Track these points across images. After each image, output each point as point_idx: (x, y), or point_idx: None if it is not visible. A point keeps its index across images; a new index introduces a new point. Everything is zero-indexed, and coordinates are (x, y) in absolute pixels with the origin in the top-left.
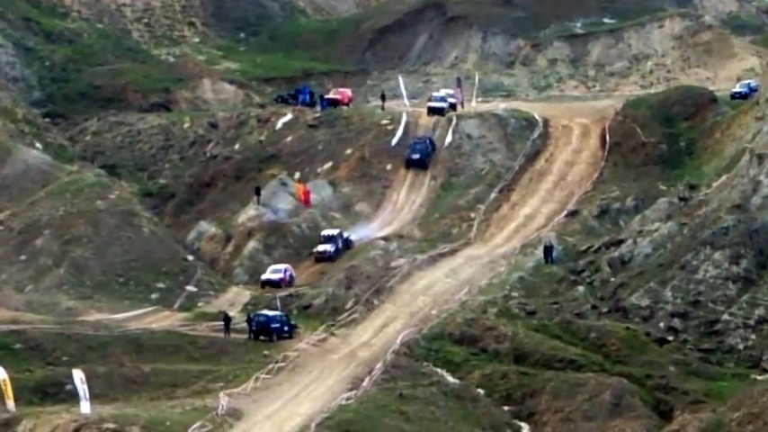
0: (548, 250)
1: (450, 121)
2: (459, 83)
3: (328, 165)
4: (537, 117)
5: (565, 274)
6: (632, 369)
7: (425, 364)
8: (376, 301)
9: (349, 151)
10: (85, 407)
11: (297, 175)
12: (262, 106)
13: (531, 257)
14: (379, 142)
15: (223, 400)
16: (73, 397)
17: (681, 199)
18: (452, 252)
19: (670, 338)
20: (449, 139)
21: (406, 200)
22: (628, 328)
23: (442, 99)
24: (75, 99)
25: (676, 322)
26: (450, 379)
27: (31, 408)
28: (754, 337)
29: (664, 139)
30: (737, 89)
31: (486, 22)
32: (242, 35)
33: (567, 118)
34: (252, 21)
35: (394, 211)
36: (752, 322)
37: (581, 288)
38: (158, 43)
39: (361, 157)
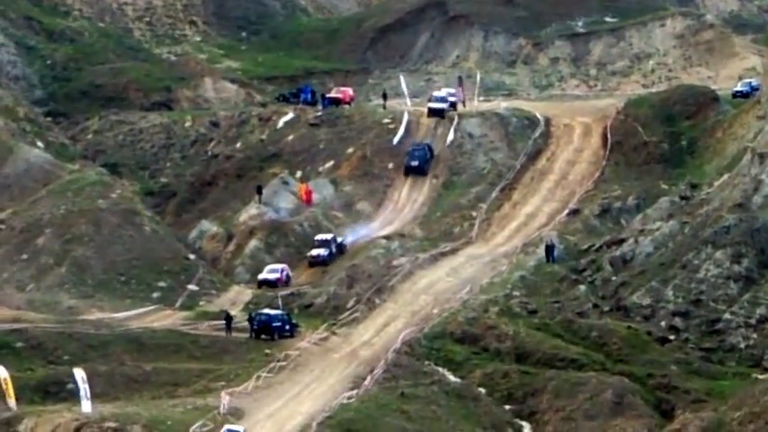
0: (549, 249)
1: (451, 120)
2: (460, 82)
3: (330, 164)
4: (538, 116)
5: (566, 272)
6: (634, 368)
7: (427, 363)
8: (377, 300)
9: (350, 150)
10: (87, 406)
11: (298, 173)
12: (263, 105)
13: (533, 256)
14: (380, 141)
15: (224, 399)
16: (74, 396)
17: (682, 198)
18: (454, 251)
19: (671, 337)
20: (450, 137)
21: (408, 199)
22: (629, 327)
23: (443, 99)
24: (77, 98)
25: (678, 321)
26: (452, 378)
27: (33, 406)
28: (755, 336)
29: (665, 138)
30: (739, 88)
31: (487, 21)
32: (243, 34)
33: (569, 117)
34: (253, 19)
35: (395, 210)
36: (753, 321)
37: (582, 287)
38: (160, 42)
39: (362, 156)
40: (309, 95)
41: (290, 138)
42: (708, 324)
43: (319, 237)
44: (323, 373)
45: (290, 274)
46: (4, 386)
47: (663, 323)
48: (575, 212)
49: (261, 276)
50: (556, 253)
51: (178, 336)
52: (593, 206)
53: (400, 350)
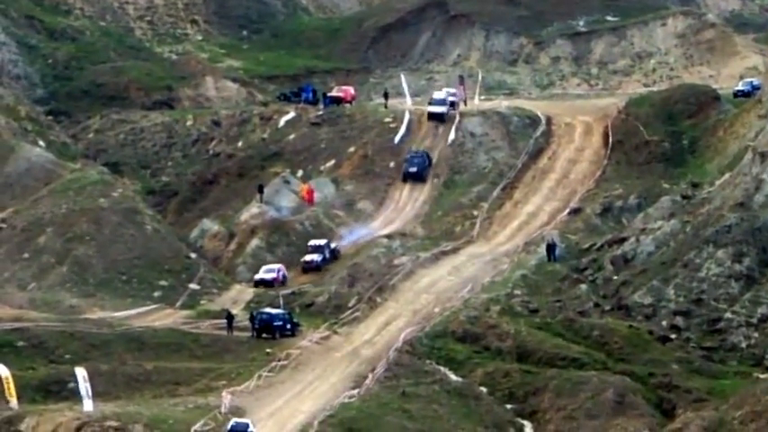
0: (550, 248)
1: (452, 119)
2: (461, 81)
3: (331, 163)
4: (540, 115)
5: (567, 272)
6: (635, 367)
7: (428, 361)
8: (379, 299)
9: (352, 149)
10: (88, 405)
11: (300, 173)
12: (264, 104)
13: (534, 255)
14: (381, 140)
15: (226, 398)
16: (75, 395)
17: (684, 197)
18: (455, 250)
19: (673, 336)
20: (451, 137)
21: (409, 198)
22: (630, 327)
23: (442, 102)
24: (78, 97)
25: (679, 320)
26: (453, 377)
27: (34, 405)
28: (756, 335)
29: (666, 137)
30: (740, 87)
31: (488, 20)
32: (244, 33)
33: (570, 116)
34: (254, 18)
35: (397, 209)
36: (754, 320)
37: (584, 286)
38: (161, 41)
39: (363, 155)
40: (311, 94)
41: (292, 137)
42: (709, 323)
43: (312, 242)
44: (324, 371)
45: (287, 274)
46: (5, 385)
47: (664, 322)
48: (576, 211)
49: (257, 276)
50: (557, 252)
51: (179, 335)
52: (594, 205)
53: (401, 349)
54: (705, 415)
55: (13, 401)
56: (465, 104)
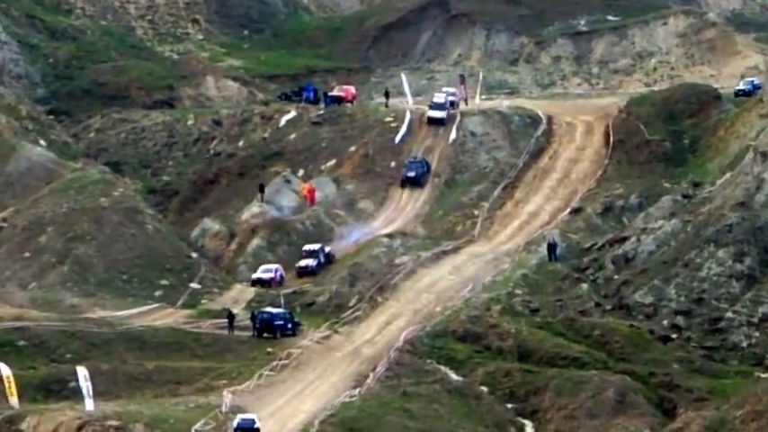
0: (551, 248)
1: (454, 118)
2: (462, 80)
3: (332, 162)
4: (541, 114)
5: (568, 271)
6: (636, 367)
7: (429, 361)
8: (380, 299)
9: (353, 148)
10: (89, 404)
11: (300, 172)
12: (265, 103)
13: (535, 255)
14: (382, 139)
15: (226, 398)
16: (76, 394)
17: (685, 196)
18: (456, 249)
19: (673, 336)
20: (453, 136)
21: (410, 197)
22: (631, 326)
23: (442, 106)
24: (79, 96)
25: (680, 320)
26: (454, 376)
27: (35, 405)
28: (757, 334)
29: (667, 136)
30: (741, 86)
31: (489, 20)
32: (245, 32)
33: (571, 115)
34: (255, 18)
35: (397, 209)
36: (755, 320)
37: (584, 285)
38: (162, 40)
39: (364, 155)
40: (312, 94)
41: (293, 136)
42: (710, 323)
43: (307, 247)
44: (325, 371)
45: (284, 274)
46: (6, 384)
47: (665, 322)
48: (577, 211)
49: (255, 275)
50: (558, 251)
51: (180, 334)
52: (595, 204)
53: (402, 348)
54: (706, 414)
55: (14, 401)
56: (466, 104)
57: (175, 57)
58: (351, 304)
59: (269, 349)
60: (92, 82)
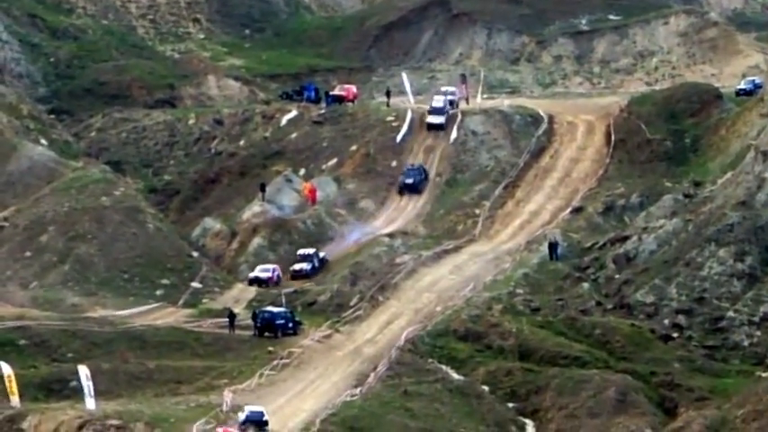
0: (552, 247)
1: (455, 117)
2: (463, 79)
3: (333, 161)
4: (542, 114)
5: (569, 270)
6: (637, 366)
7: (430, 360)
8: (381, 298)
9: (354, 148)
10: (90, 403)
11: (302, 171)
12: (267, 103)
13: (536, 254)
14: (383, 139)
15: (227, 397)
16: (78, 393)
17: (686, 196)
18: (457, 249)
19: (675, 335)
20: (454, 135)
21: (411, 196)
22: (632, 325)
23: (441, 111)
24: (81, 95)
25: (681, 319)
26: (455, 376)
27: (36, 404)
28: (758, 333)
29: (669, 135)
30: (742, 86)
31: (490, 19)
32: (247, 31)
33: (572, 115)
34: (257, 17)
35: (398, 208)
36: (756, 319)
37: (586, 285)
38: (163, 40)
39: (365, 154)
40: (313, 93)
41: (294, 135)
42: (711, 322)
43: (301, 251)
44: (326, 370)
45: (281, 275)
46: (7, 383)
47: (666, 321)
48: (578, 210)
49: (252, 274)
50: (559, 251)
51: (181, 333)
52: (596, 204)
53: (403, 348)
54: (707, 414)
55: (15, 400)
56: (467, 103)
57: (177, 56)
58: (352, 303)
59: (270, 348)
60: (93, 81)
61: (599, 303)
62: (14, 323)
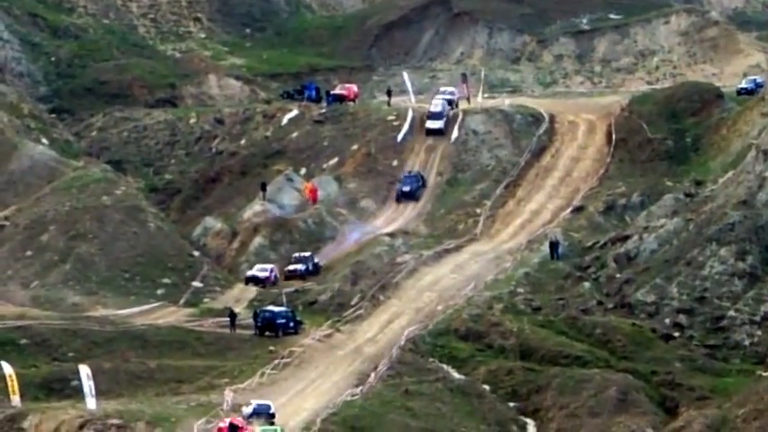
0: (553, 246)
1: (456, 116)
2: (465, 79)
3: (334, 160)
4: (543, 113)
5: (570, 269)
6: (638, 365)
7: (431, 359)
8: (381, 297)
9: (355, 147)
10: (91, 402)
11: (302, 170)
12: (267, 102)
13: (537, 253)
14: (384, 138)
15: (228, 396)
16: (79, 393)
17: (687, 195)
18: (458, 248)
19: (676, 334)
20: (455, 134)
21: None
22: (633, 324)
23: (439, 115)
24: (81, 95)
25: (682, 318)
26: (456, 375)
27: (37, 403)
28: (759, 333)
29: (670, 135)
30: (743, 85)
31: (491, 18)
32: (248, 31)
33: (573, 114)
34: (257, 16)
35: (399, 208)
36: (758, 318)
37: (587, 284)
38: (164, 39)
39: (366, 153)
40: (314, 92)
41: (295, 135)
42: (712, 321)
43: (296, 254)
44: (327, 369)
45: (278, 275)
46: (8, 383)
47: (667, 320)
48: (579, 209)
49: (249, 273)
50: (560, 250)
51: (182, 333)
52: (597, 203)
53: (404, 347)
54: (708, 413)
55: (16, 399)
56: (469, 102)
57: (178, 55)
58: (353, 303)
59: (271, 348)
60: (94, 80)
61: (600, 303)
62: (15, 322)
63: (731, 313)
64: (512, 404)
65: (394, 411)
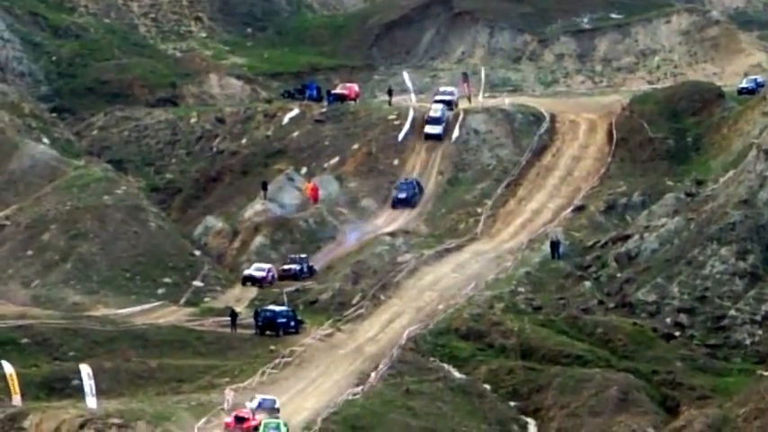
0: (554, 245)
1: (457, 116)
2: (465, 78)
3: (335, 160)
4: (544, 112)
5: (571, 269)
6: (639, 364)
7: (432, 359)
8: (382, 297)
9: (356, 146)
10: (91, 402)
11: (303, 170)
12: (268, 101)
13: (538, 253)
14: (385, 137)
15: (229, 396)
16: (79, 392)
17: (688, 194)
18: (459, 247)
19: (677, 334)
20: (456, 134)
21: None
22: (634, 324)
23: (438, 120)
24: (82, 94)
25: (683, 318)
26: (457, 374)
27: (38, 403)
28: (760, 332)
29: (671, 134)
30: (744, 84)
31: (492, 18)
32: (249, 30)
33: (574, 113)
34: (259, 16)
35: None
36: (758, 318)
37: (587, 283)
38: (165, 38)
39: (367, 153)
40: (315, 92)
41: (296, 134)
42: (713, 320)
43: (292, 256)
44: (328, 369)
45: (276, 275)
46: (9, 382)
47: (668, 319)
48: (580, 209)
49: (247, 272)
50: (561, 249)
51: (183, 332)
52: (598, 202)
53: (405, 346)
54: (709, 412)
55: (17, 398)
56: (470, 102)
57: (178, 54)
58: (354, 302)
59: (272, 347)
60: (95, 80)
61: (601, 302)
62: (16, 322)
63: (732, 313)
64: (512, 403)
65: (395, 411)
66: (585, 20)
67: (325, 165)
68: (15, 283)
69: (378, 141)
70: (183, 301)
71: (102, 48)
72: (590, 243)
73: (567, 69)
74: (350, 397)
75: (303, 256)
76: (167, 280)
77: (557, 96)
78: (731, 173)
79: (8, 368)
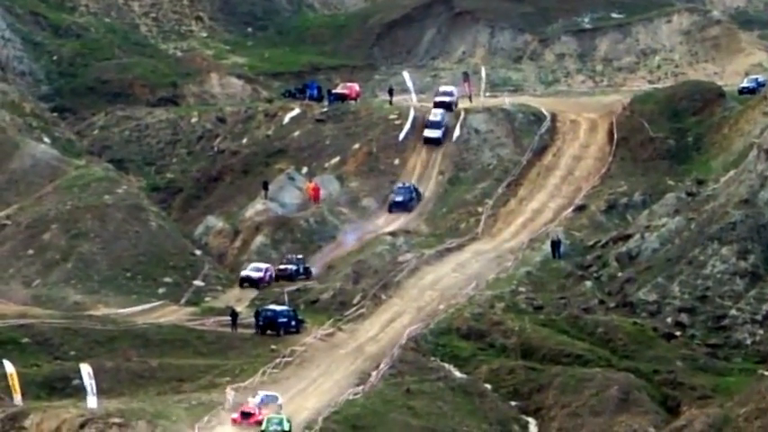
0: (555, 245)
1: (458, 115)
2: (466, 78)
3: (336, 159)
4: (544, 112)
5: (572, 268)
6: (639, 364)
7: (432, 358)
8: (383, 296)
9: (356, 146)
10: (92, 401)
11: (304, 169)
12: (269, 101)
13: (539, 252)
14: (386, 137)
15: (229, 395)
16: (80, 391)
17: (688, 194)
18: (460, 247)
19: (677, 333)
20: (456, 133)
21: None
22: (635, 323)
23: (438, 124)
24: (83, 93)
25: (684, 317)
26: (458, 374)
27: (39, 402)
28: (761, 332)
29: (671, 134)
30: (745, 84)
31: (493, 17)
32: (249, 30)
33: (575, 113)
34: (259, 15)
35: None
36: (759, 317)
37: (588, 283)
38: (166, 38)
39: (368, 152)
40: (315, 91)
41: (296, 133)
42: (714, 320)
43: (289, 257)
44: (329, 368)
45: (273, 275)
46: (10, 381)
47: (669, 319)
48: (581, 208)
49: (244, 273)
50: (562, 249)
51: (184, 331)
52: (599, 202)
53: (406, 346)
54: (710, 412)
55: (18, 398)
56: (470, 101)
57: (179, 54)
58: (354, 302)
59: (272, 346)
60: (96, 79)
61: (602, 302)
62: (17, 321)
63: (733, 312)
64: (513, 403)
65: (395, 410)
66: (586, 19)
67: (326, 164)
68: (16, 283)
69: (378, 141)
70: (183, 300)
71: (102, 47)
72: (591, 243)
73: (568, 69)
74: (351, 396)
75: (299, 256)
76: (168, 279)
77: (557, 96)
78: (732, 172)
79: (9, 367)
